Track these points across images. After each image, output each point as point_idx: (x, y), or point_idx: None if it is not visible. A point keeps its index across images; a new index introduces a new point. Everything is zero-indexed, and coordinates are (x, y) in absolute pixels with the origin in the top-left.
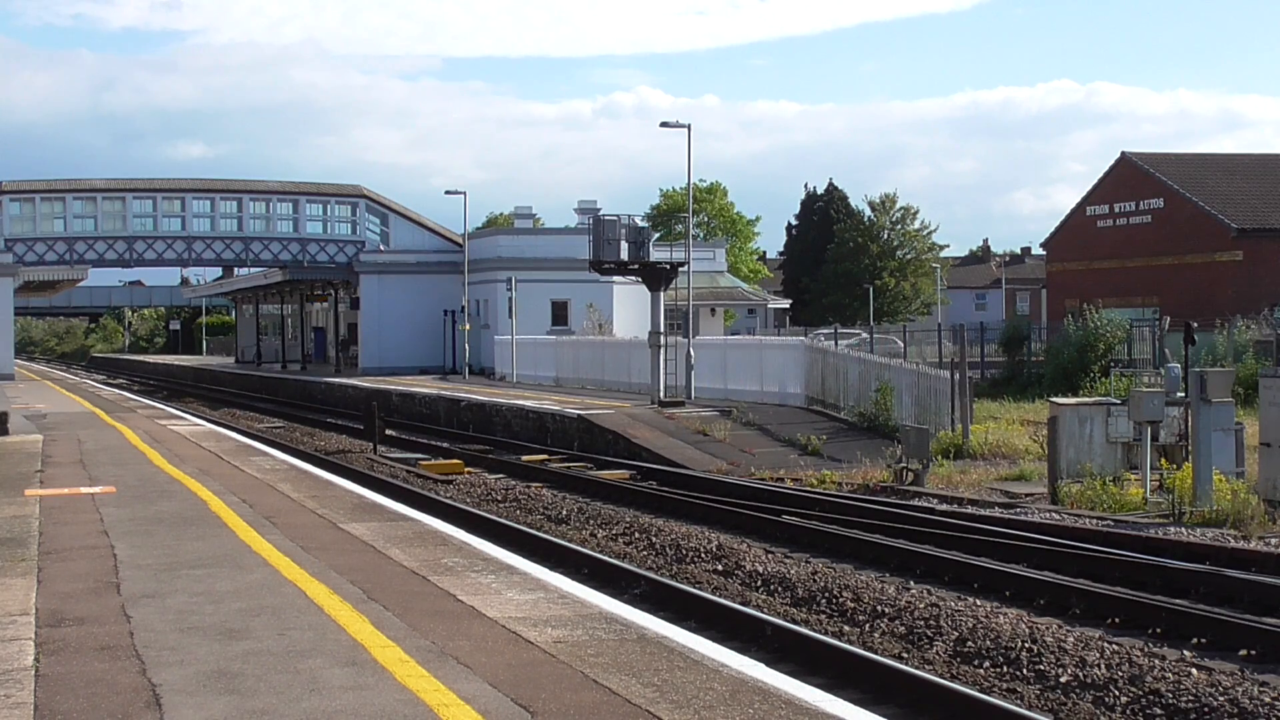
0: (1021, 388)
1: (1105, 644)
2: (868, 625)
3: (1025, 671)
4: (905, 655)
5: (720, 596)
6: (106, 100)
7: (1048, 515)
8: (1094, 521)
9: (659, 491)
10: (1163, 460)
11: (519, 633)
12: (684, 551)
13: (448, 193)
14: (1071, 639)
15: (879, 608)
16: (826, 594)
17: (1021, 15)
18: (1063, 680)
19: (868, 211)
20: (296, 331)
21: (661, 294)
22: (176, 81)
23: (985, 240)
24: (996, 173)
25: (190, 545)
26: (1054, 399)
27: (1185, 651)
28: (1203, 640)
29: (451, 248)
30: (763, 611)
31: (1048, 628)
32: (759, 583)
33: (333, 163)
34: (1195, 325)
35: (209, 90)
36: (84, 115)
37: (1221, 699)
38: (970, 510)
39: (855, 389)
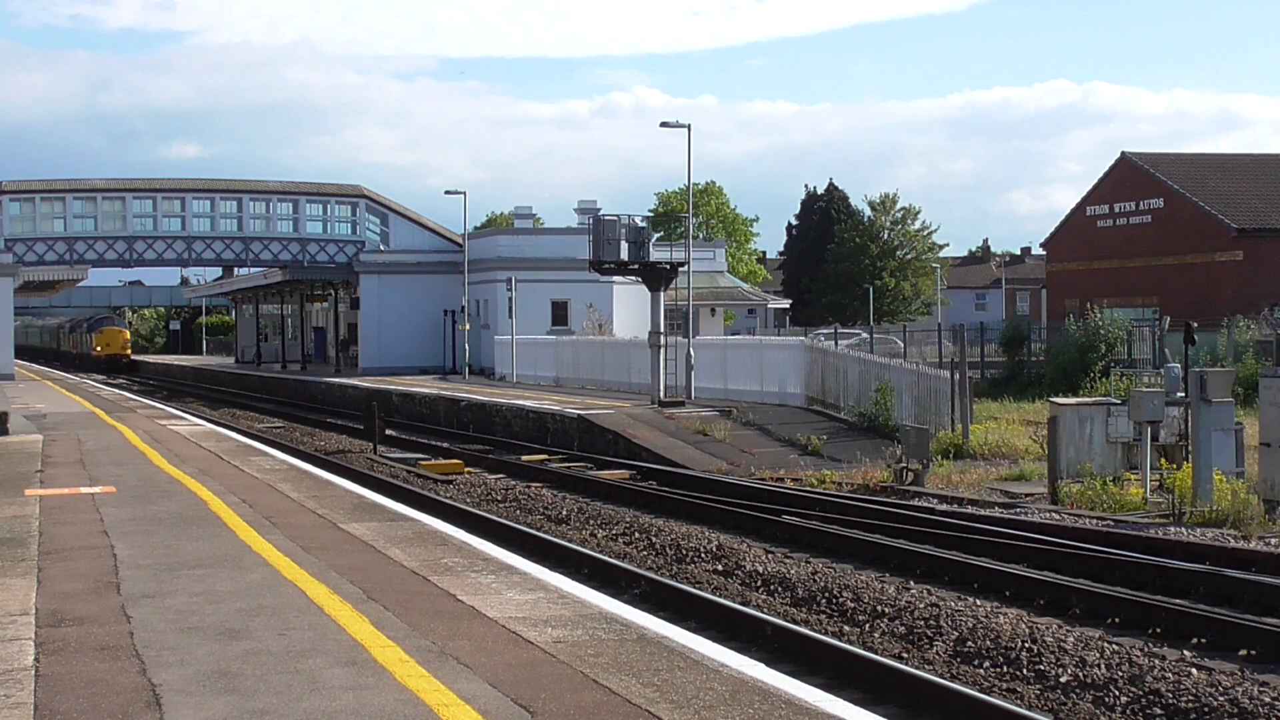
0: (1021, 388)
1: (1105, 644)
2: (868, 625)
3: (1025, 671)
4: (905, 655)
5: (720, 596)
6: (101, 100)
7: (1048, 515)
8: (1094, 521)
9: (659, 491)
10: (1163, 460)
11: (519, 633)
12: (684, 551)
13: (448, 193)
14: (1071, 639)
15: (879, 608)
16: (826, 594)
17: (1017, 16)
18: (1063, 680)
19: (868, 211)
20: (296, 331)
21: (661, 294)
22: (171, 81)
23: (985, 240)
24: (993, 173)
25: (190, 545)
26: (1054, 399)
27: (1185, 651)
28: (1203, 640)
29: (451, 248)
30: (763, 611)
31: (1048, 628)
32: (759, 583)
33: (328, 163)
34: (1195, 325)
35: (204, 90)
36: (79, 115)
37: (1221, 699)
38: (970, 510)
39: (855, 389)
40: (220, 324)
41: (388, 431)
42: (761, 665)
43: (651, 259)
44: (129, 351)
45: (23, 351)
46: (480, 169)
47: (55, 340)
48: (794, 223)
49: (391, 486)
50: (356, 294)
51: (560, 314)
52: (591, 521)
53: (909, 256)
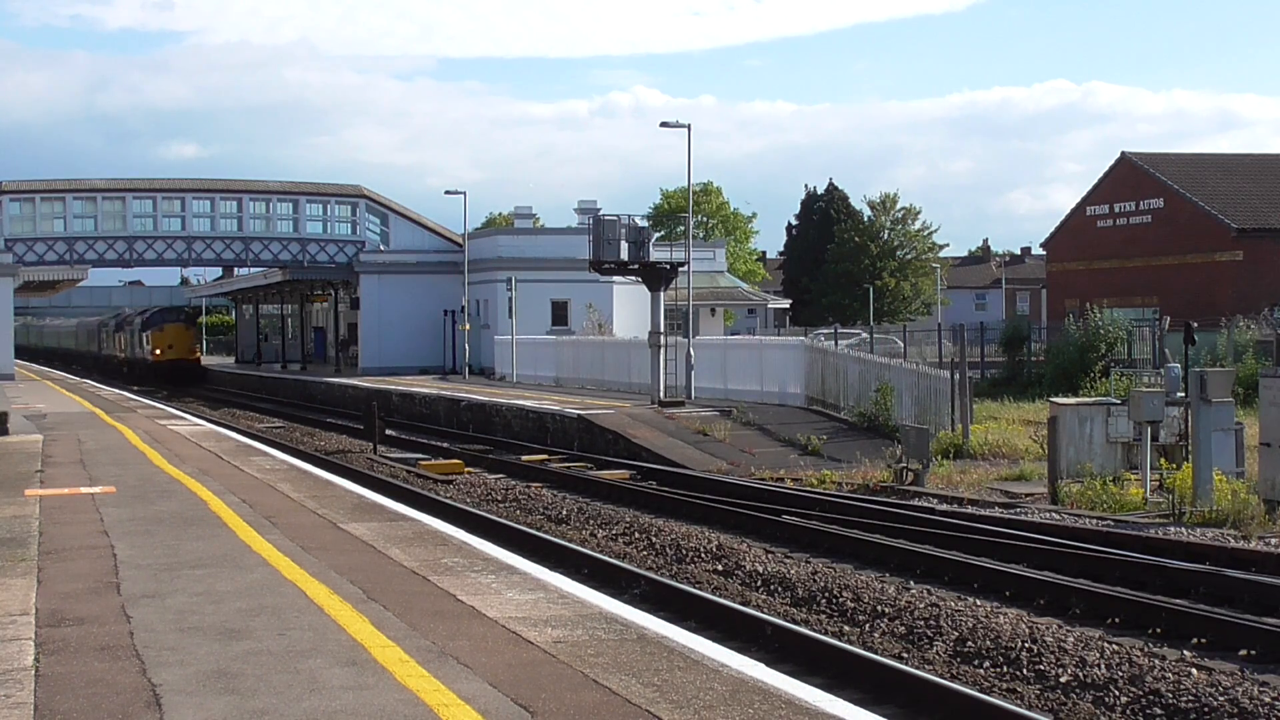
0: (1021, 388)
1: (1105, 644)
2: (868, 625)
3: (1025, 671)
4: (905, 655)
5: (720, 596)
6: (100, 100)
7: (1048, 515)
8: (1094, 521)
9: (659, 491)
10: (1163, 460)
11: (519, 633)
12: (684, 551)
13: (448, 193)
14: (1071, 639)
15: (879, 608)
16: (826, 594)
17: (1017, 16)
18: (1063, 680)
19: (868, 211)
20: (296, 331)
21: (661, 294)
22: (169, 82)
23: (985, 240)
24: (993, 173)
25: (190, 545)
26: (1054, 399)
27: (1185, 651)
28: (1203, 640)
29: (451, 248)
30: (763, 611)
31: (1048, 628)
32: (759, 583)
33: (326, 162)
34: (1195, 325)
35: (202, 90)
36: (78, 115)
37: (1221, 699)
38: (970, 510)
39: (855, 389)
40: (220, 324)
41: (388, 431)
42: (761, 665)
43: (651, 259)
44: (197, 354)
45: (44, 355)
46: (480, 169)
47: (95, 342)
48: (794, 223)
49: (391, 486)
50: (356, 294)
51: (560, 314)
52: (591, 521)
53: (909, 256)
